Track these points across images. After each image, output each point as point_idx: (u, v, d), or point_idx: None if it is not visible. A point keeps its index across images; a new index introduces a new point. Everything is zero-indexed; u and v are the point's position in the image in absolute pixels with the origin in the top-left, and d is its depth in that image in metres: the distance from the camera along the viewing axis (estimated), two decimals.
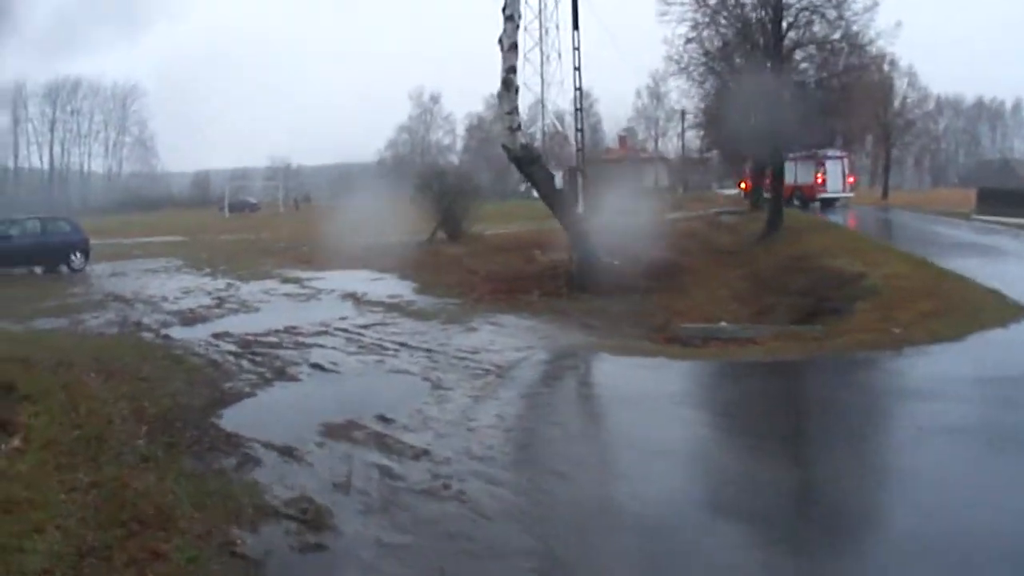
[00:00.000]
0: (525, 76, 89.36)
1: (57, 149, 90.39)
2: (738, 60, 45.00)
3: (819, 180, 44.17)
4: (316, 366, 12.26)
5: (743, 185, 53.39)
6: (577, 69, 27.98)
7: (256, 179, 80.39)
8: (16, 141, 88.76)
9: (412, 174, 45.08)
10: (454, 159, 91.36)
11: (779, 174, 36.09)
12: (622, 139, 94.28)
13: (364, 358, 12.84)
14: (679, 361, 12.82)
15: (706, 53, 45.93)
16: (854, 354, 12.52)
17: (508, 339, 14.28)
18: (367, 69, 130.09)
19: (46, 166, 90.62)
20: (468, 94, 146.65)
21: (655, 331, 16.34)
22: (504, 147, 21.37)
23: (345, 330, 15.14)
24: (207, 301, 19.40)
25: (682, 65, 47.04)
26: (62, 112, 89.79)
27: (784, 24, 34.22)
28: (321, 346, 13.76)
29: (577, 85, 28.33)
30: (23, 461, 8.01)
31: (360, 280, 22.66)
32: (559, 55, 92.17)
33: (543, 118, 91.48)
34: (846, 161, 46.08)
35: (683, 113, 77.24)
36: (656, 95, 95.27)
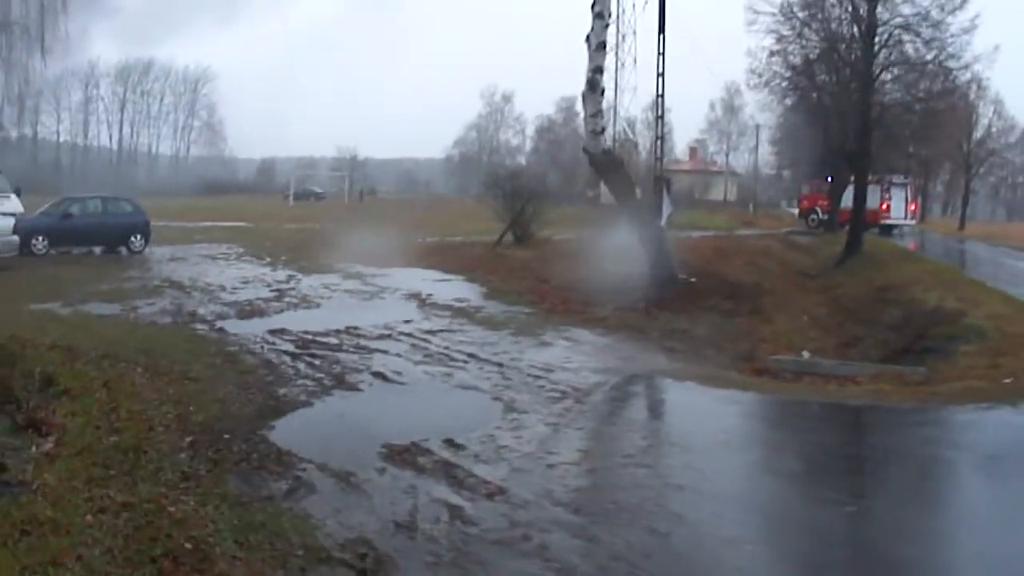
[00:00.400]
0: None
1: (127, 129, 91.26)
2: (822, 77, 43.72)
3: (884, 206, 43.47)
4: (378, 375, 11.33)
5: (802, 204, 52.00)
6: (660, 75, 26.90)
7: (322, 169, 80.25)
8: (87, 119, 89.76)
9: (483, 173, 44.13)
10: (522, 160, 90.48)
11: (861, 196, 34.53)
12: (692, 151, 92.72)
13: (430, 369, 11.87)
14: (775, 397, 11.69)
15: (791, 67, 44.59)
16: (968, 405, 11.13)
17: (584, 357, 13.25)
18: (439, 65, 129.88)
19: (115, 146, 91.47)
20: (540, 95, 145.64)
21: (741, 360, 15.18)
22: (586, 150, 20.34)
23: (410, 335, 14.22)
24: (266, 293, 18.64)
25: (764, 78, 45.88)
26: (132, 93, 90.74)
27: (876, 42, 32.68)
28: (384, 352, 12.84)
29: (660, 91, 27.26)
30: (52, 469, 7.15)
31: (425, 280, 21.79)
32: (634, 61, 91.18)
33: (614, 125, 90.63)
34: (910, 188, 45.39)
35: (758, 128, 75.73)
36: (731, 108, 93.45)
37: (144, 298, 17.42)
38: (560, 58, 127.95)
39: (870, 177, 45.82)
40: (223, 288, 19.24)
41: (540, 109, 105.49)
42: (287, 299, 17.88)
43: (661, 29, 26.22)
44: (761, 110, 49.71)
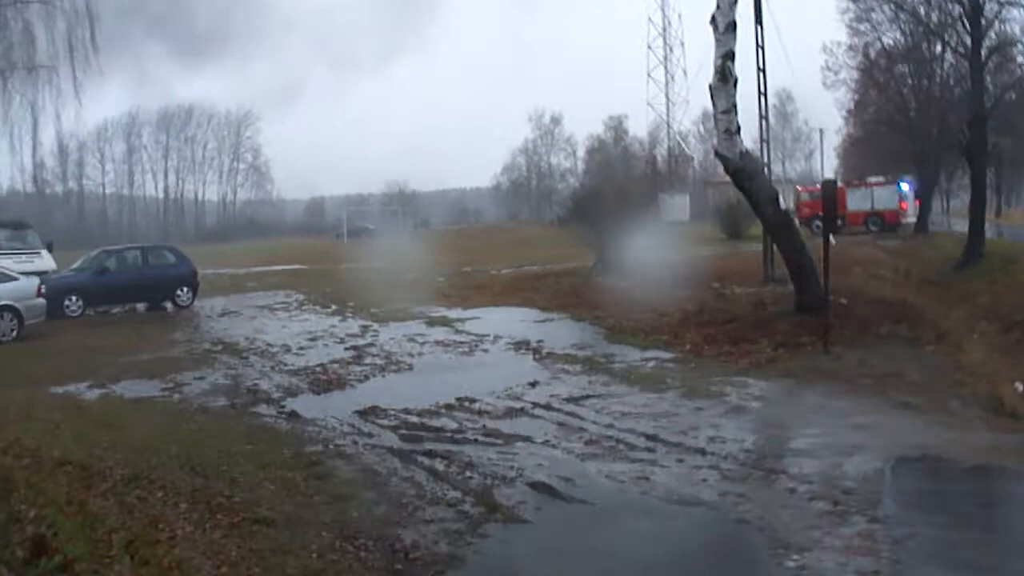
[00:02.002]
0: (649, 96, 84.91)
1: (172, 177, 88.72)
2: (902, 68, 39.81)
3: (903, 205, 43.82)
4: (541, 487, 7.43)
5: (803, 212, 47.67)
6: (761, 70, 23.13)
7: (373, 204, 76.99)
8: (131, 169, 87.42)
9: (568, 197, 40.29)
10: (574, 182, 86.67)
11: (980, 192, 30.18)
12: None
13: (608, 468, 7.95)
14: None
15: (870, 61, 40.62)
16: None
17: (805, 428, 9.27)
18: (482, 94, 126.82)
19: (161, 194, 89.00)
20: (588, 116, 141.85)
21: (995, 410, 11.06)
22: (719, 155, 16.42)
23: (548, 407, 10.36)
24: (341, 353, 14.88)
25: (841, 76, 41.96)
26: (176, 140, 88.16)
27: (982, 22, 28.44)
28: (527, 439, 8.97)
29: (763, 89, 23.51)
30: None
31: (524, 321, 18.01)
32: (684, 73, 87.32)
33: (669, 138, 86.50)
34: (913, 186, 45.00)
35: (821, 132, 71.55)
36: (783, 114, 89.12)
37: (192, 369, 13.76)
38: (606, 76, 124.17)
39: (884, 178, 44.37)
40: (287, 349, 15.51)
41: (589, 129, 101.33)
42: (369, 360, 14.09)
43: (758, 19, 22.53)
44: (836, 109, 45.73)
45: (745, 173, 16.01)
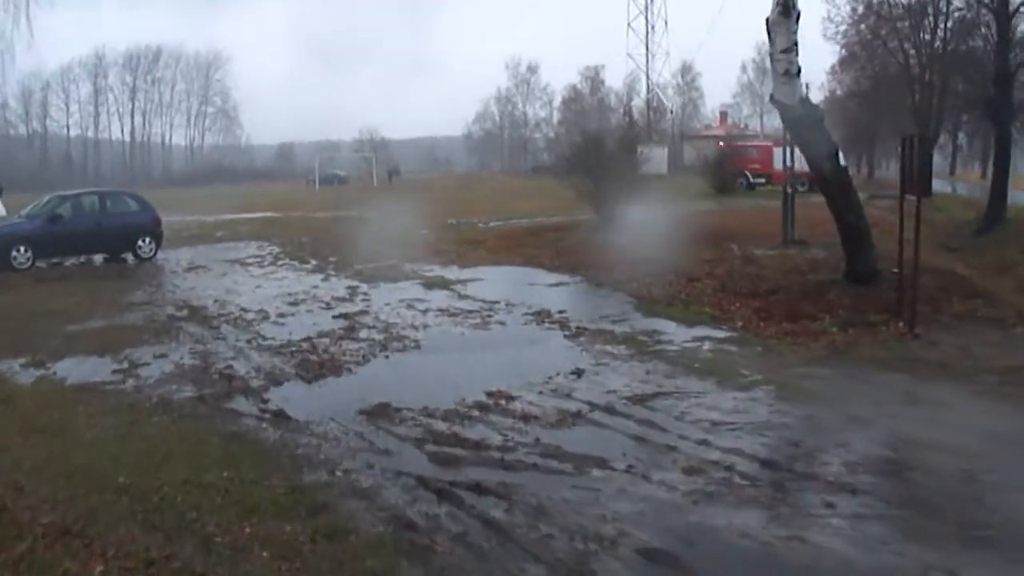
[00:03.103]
0: (629, 46, 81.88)
1: (138, 119, 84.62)
2: (910, 20, 37.62)
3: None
4: (660, 558, 4.94)
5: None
6: None
7: (344, 151, 73.70)
8: (96, 111, 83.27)
9: (565, 144, 37.57)
10: (550, 133, 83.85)
11: (1004, 152, 27.77)
12: (723, 115, 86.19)
13: (737, 517, 5.50)
14: None
15: (878, 15, 38.20)
16: None
17: (967, 452, 6.80)
18: (455, 40, 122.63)
19: (127, 138, 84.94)
20: (564, 66, 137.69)
21: None
22: (774, 101, 13.79)
23: (610, 409, 7.86)
24: (329, 322, 12.28)
25: (839, 28, 39.58)
26: (143, 81, 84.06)
27: None
28: (604, 463, 6.50)
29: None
30: None
31: (535, 285, 15.56)
32: (665, 24, 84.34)
33: (647, 89, 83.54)
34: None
35: (807, 86, 69.04)
36: (763, 70, 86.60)
37: (152, 343, 11.14)
38: (585, 27, 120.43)
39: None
40: (264, 316, 12.89)
41: (567, 79, 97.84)
42: (364, 333, 11.50)
43: None
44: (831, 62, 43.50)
45: (804, 123, 13.46)
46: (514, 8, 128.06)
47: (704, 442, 6.92)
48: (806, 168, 37.24)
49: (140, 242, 20.59)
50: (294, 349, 10.55)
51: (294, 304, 13.85)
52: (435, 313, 12.85)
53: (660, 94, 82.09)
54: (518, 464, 6.48)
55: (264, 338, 11.26)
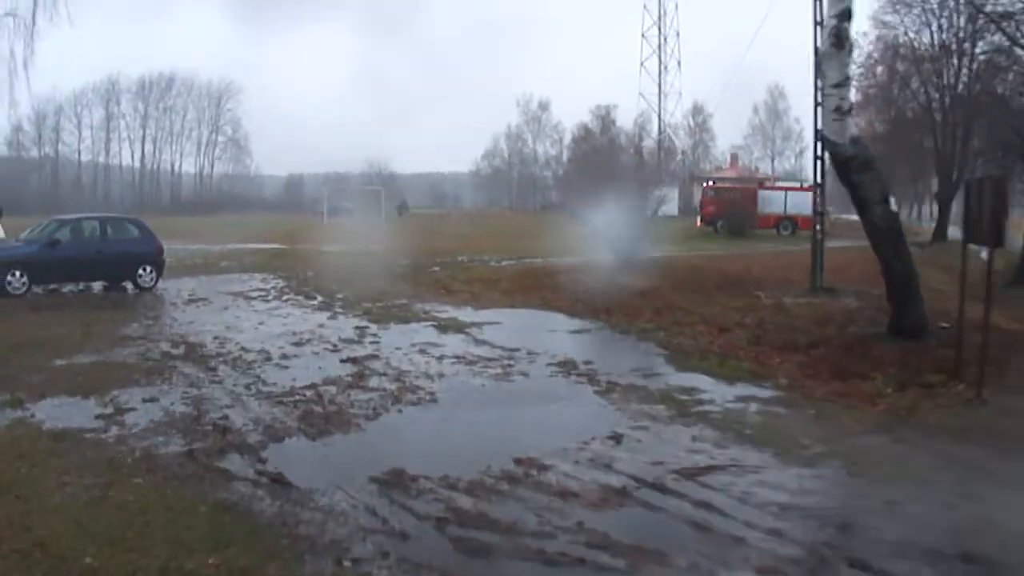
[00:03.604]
0: (641, 86, 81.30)
1: (148, 147, 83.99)
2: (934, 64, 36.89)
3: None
4: None
5: (707, 210, 45.86)
6: (820, 24, 19.79)
7: (351, 183, 72.86)
8: (108, 137, 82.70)
9: (582, 183, 36.72)
10: (559, 171, 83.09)
11: None
12: (734, 157, 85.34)
13: None
14: None
15: (900, 57, 37.50)
16: None
17: None
18: (462, 78, 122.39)
19: (137, 163, 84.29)
20: (574, 104, 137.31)
21: None
22: (823, 139, 12.86)
23: (659, 486, 6.78)
24: (337, 367, 11.21)
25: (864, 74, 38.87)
26: (155, 109, 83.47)
27: None
28: (665, 560, 5.38)
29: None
30: None
31: (556, 331, 14.53)
32: (679, 64, 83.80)
33: (659, 130, 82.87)
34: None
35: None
36: (774, 112, 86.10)
37: (142, 383, 10.08)
38: (596, 66, 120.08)
39: (799, 183, 44.27)
40: (267, 357, 11.82)
41: (577, 118, 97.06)
42: (375, 381, 10.42)
43: None
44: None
45: (856, 163, 12.47)
46: (524, 46, 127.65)
47: (776, 532, 5.82)
48: (791, 212, 35.69)
49: (141, 271, 19.57)
50: (298, 398, 9.47)
51: (299, 344, 12.79)
52: (451, 360, 11.77)
53: (672, 135, 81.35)
54: (561, 559, 5.39)
55: (265, 383, 10.18)
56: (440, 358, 11.89)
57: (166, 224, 33.42)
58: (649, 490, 6.65)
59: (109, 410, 8.87)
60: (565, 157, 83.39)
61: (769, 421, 8.88)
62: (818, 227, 21.23)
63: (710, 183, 50.10)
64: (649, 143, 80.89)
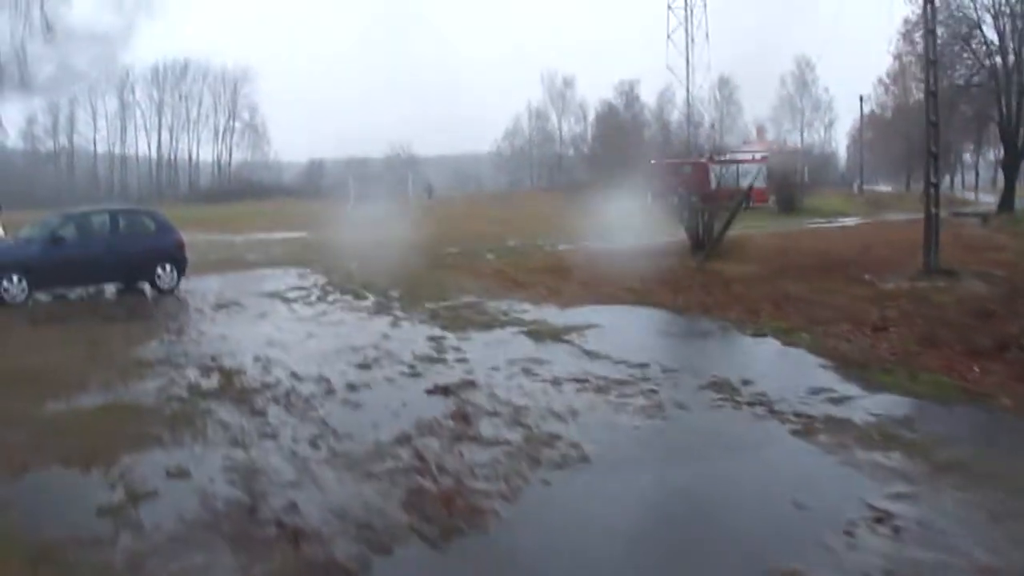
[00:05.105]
0: (668, 58, 77.68)
1: (165, 135, 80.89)
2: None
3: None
4: None
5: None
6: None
7: (374, 167, 69.72)
8: (123, 127, 79.63)
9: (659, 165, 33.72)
10: (584, 149, 79.70)
11: None
12: (760, 129, 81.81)
13: None
14: None
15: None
16: None
17: None
18: (482, 59, 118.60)
19: (154, 153, 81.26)
20: (597, 80, 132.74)
21: None
22: None
23: None
24: (426, 403, 8.19)
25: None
26: (170, 96, 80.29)
27: None
28: None
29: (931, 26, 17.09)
30: None
31: (674, 335, 11.72)
32: (707, 36, 79.98)
33: (688, 104, 79.21)
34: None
35: (861, 99, 65.19)
36: (803, 82, 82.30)
37: (164, 445, 7.06)
38: (616, 39, 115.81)
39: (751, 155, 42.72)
40: (329, 388, 8.78)
41: (600, 95, 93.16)
42: (488, 426, 7.40)
43: None
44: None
45: None
46: (547, 23, 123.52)
47: None
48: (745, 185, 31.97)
49: (159, 270, 16.56)
50: (391, 464, 6.43)
51: (365, 367, 9.73)
52: (572, 385, 8.72)
53: (701, 108, 77.79)
54: None
55: (337, 437, 7.14)
56: (556, 382, 8.83)
57: (185, 214, 30.51)
58: None
59: (118, 496, 5.87)
60: (590, 135, 79.83)
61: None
62: (931, 198, 18.02)
63: (659, 160, 46.87)
64: (676, 116, 77.35)
